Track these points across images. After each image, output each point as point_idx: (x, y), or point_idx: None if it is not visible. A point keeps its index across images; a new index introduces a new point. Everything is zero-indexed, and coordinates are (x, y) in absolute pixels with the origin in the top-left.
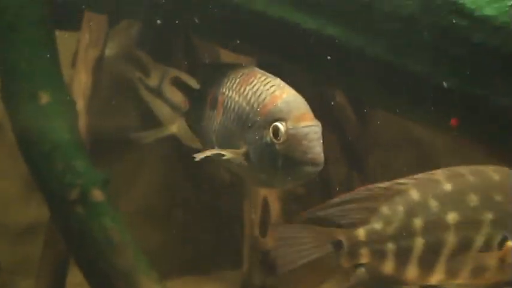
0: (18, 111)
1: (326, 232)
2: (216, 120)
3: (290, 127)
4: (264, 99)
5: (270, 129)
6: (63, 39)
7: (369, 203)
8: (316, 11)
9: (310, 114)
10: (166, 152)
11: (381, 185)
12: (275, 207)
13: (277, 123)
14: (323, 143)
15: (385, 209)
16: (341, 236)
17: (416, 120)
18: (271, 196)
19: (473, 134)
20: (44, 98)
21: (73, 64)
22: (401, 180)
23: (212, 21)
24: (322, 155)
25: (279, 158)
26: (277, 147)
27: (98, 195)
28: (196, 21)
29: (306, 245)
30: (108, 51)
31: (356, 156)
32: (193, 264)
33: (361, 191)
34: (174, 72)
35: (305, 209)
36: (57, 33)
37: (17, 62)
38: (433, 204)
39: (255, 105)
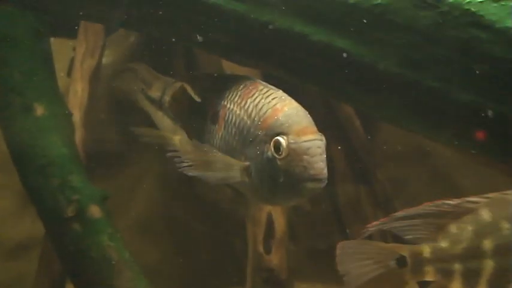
0: (12, 124)
1: (389, 248)
2: (217, 134)
3: (291, 141)
4: (265, 112)
5: (271, 143)
6: (59, 47)
7: (435, 219)
8: (325, 22)
9: (313, 128)
10: (165, 166)
11: (450, 201)
12: (280, 223)
13: (279, 138)
14: (327, 156)
15: (453, 228)
16: (405, 251)
17: (433, 138)
18: (276, 211)
19: (493, 152)
20: (39, 110)
21: (69, 73)
22: (472, 199)
23: (214, 33)
24: (325, 170)
25: (280, 173)
26: (278, 162)
27: (95, 211)
28: (198, 33)
29: (369, 261)
30: (105, 59)
31: (364, 170)
32: (194, 282)
33: (427, 207)
34: (177, 84)
35: (311, 225)
36: (52, 40)
37: (10, 73)
38: (506, 226)
39: (256, 119)
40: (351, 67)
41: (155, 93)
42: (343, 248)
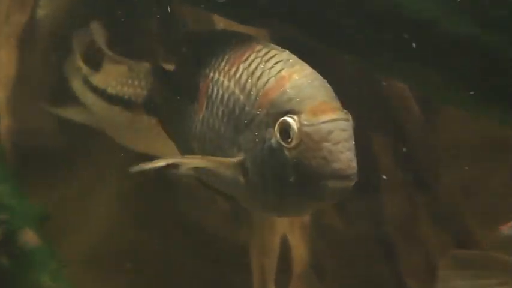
0: None
1: None
2: (197, 117)
3: (305, 123)
4: (266, 82)
5: (276, 126)
6: None
7: None
8: None
9: (335, 103)
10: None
11: None
12: (299, 251)
13: (286, 118)
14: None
15: None
16: None
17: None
18: (293, 232)
19: None
20: None
21: None
22: None
23: None
24: (354, 162)
25: (290, 169)
26: (287, 153)
27: (31, 238)
28: None
29: (489, 280)
30: (40, 12)
31: (422, 171)
32: None
33: None
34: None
35: (344, 252)
36: None
37: None
38: None
39: (253, 93)
40: (400, 25)
41: (100, 82)
42: (453, 259)
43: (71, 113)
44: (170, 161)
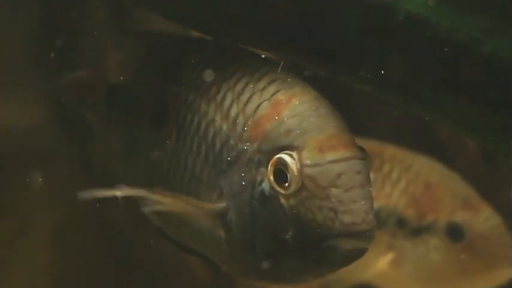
0: None
1: None
2: (162, 149)
3: (308, 162)
4: (257, 108)
5: (270, 166)
6: None
7: None
8: None
9: (347, 137)
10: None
11: None
12: None
13: (283, 156)
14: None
15: None
16: None
17: None
18: None
19: None
20: None
21: None
22: None
23: None
24: (371, 215)
25: (287, 224)
26: (283, 202)
27: None
28: None
29: None
30: None
31: None
32: None
33: None
34: None
35: None
36: None
37: None
38: None
39: (240, 121)
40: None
41: None
42: None
43: None
44: (131, 192)
